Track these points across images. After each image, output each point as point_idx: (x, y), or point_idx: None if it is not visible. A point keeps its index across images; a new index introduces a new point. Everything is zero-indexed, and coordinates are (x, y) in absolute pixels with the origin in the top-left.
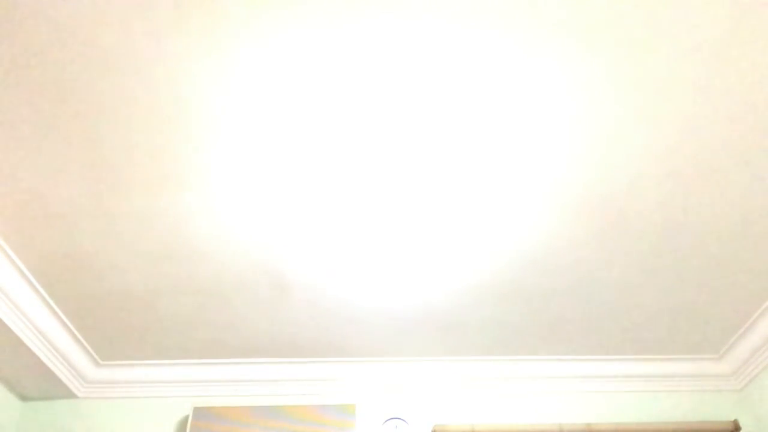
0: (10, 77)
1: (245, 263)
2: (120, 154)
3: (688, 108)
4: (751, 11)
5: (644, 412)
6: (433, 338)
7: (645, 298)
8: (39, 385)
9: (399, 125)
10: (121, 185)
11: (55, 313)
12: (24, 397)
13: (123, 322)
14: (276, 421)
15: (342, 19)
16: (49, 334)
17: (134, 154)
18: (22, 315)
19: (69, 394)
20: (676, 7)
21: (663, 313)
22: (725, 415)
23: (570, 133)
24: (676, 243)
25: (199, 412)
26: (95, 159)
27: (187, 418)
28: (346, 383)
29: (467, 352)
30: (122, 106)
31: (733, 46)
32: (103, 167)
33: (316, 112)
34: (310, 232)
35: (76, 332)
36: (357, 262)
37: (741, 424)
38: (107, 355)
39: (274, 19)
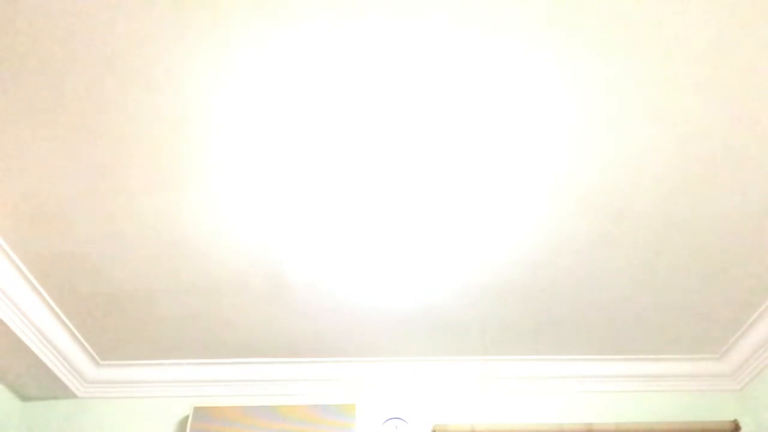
0: (11, 77)
1: (245, 263)
2: (120, 154)
3: (688, 108)
4: (751, 11)
5: (644, 412)
6: (433, 338)
7: (645, 298)
8: (39, 385)
9: (399, 125)
10: (121, 185)
11: (55, 313)
12: (24, 397)
13: (123, 322)
14: (276, 421)
15: (342, 19)
16: (49, 334)
17: (134, 154)
18: (22, 315)
19: (69, 394)
20: (677, 7)
21: (663, 313)
22: (725, 415)
23: (570, 133)
24: (676, 243)
25: (199, 412)
26: (95, 159)
27: (187, 418)
28: (346, 383)
29: (467, 352)
30: (122, 106)
31: (733, 46)
32: (103, 167)
33: (316, 112)
34: (309, 232)
35: (76, 332)
36: (357, 262)
37: (741, 424)
38: (107, 355)
39: (274, 19)
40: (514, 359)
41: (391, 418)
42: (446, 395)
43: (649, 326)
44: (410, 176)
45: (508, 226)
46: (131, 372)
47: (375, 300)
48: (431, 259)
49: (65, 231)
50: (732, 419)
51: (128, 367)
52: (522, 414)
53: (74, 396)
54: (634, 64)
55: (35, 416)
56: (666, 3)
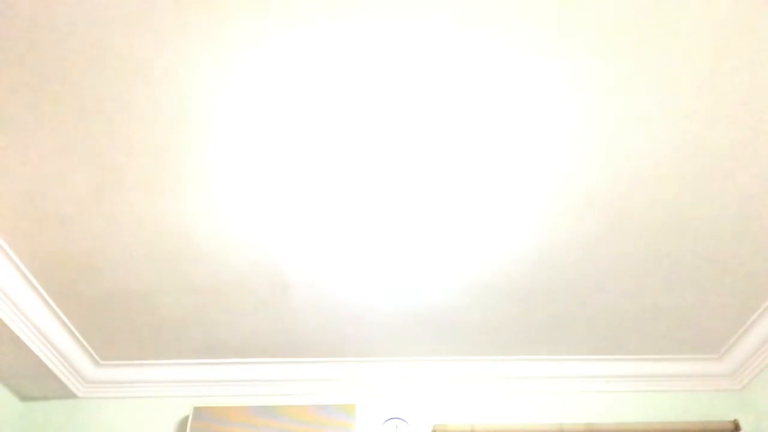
0: (11, 77)
1: (245, 263)
2: (120, 154)
3: (688, 108)
4: (751, 11)
5: (644, 412)
6: (433, 338)
7: (645, 298)
8: (39, 385)
9: (399, 125)
10: (121, 185)
11: (55, 313)
12: (24, 397)
13: (123, 322)
14: (276, 421)
15: (342, 19)
16: (49, 334)
17: (134, 154)
18: (22, 315)
19: (69, 394)
20: (677, 8)
21: (663, 313)
22: (725, 415)
23: (570, 133)
24: (675, 243)
25: (199, 412)
26: (95, 159)
27: (187, 418)
28: (346, 383)
29: (467, 352)
30: (122, 107)
31: (733, 47)
32: (103, 167)
33: (316, 112)
34: (309, 232)
35: (76, 332)
36: (357, 262)
37: (741, 424)
38: (107, 355)
39: (275, 19)
40: (515, 359)
41: (391, 418)
42: (446, 395)
43: (649, 326)
44: (410, 176)
45: (508, 226)
46: (131, 372)
47: (375, 300)
48: (431, 259)
49: (65, 231)
50: (732, 419)
51: (128, 367)
52: (522, 414)
53: (74, 396)
54: (634, 64)
55: (35, 416)
56: (666, 3)
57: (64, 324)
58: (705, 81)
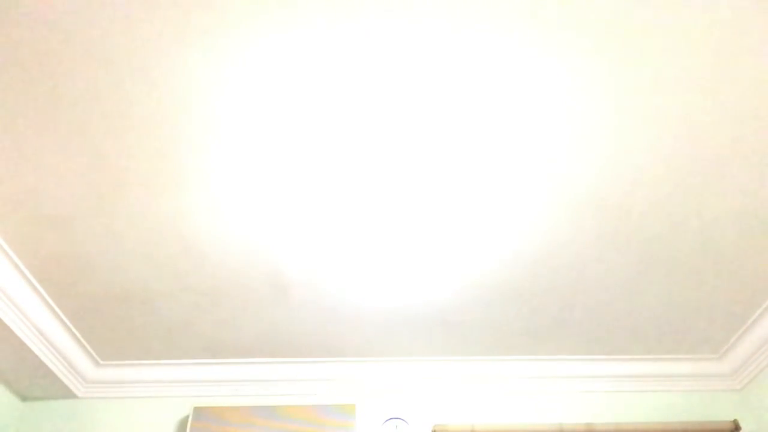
0: (10, 77)
1: (245, 263)
2: (120, 154)
3: (688, 108)
4: (751, 11)
5: (644, 412)
6: (433, 338)
7: (645, 298)
8: (39, 385)
9: (399, 125)
10: (121, 185)
11: (55, 313)
12: (24, 397)
13: (123, 322)
14: (276, 421)
15: (342, 19)
16: (49, 334)
17: (134, 154)
18: (22, 315)
19: (69, 394)
20: (678, 8)
21: (663, 313)
22: (725, 415)
23: (571, 133)
24: (676, 243)
25: (199, 412)
26: (95, 159)
27: (187, 418)
28: (346, 383)
29: (467, 352)
30: (122, 107)
31: (734, 47)
32: (103, 167)
33: (316, 112)
34: (309, 232)
35: (76, 332)
36: (357, 262)
37: (741, 424)
38: (107, 355)
39: (274, 19)
40: (514, 359)
41: (391, 418)
42: (446, 395)
43: (649, 326)
44: (410, 176)
45: (508, 226)
46: (131, 372)
47: (375, 300)
48: (431, 259)
49: (65, 231)
50: (732, 419)
51: (128, 367)
52: (522, 414)
53: (74, 396)
54: (635, 63)
55: (35, 416)
56: (667, 3)
57: (64, 324)
58: (705, 81)
